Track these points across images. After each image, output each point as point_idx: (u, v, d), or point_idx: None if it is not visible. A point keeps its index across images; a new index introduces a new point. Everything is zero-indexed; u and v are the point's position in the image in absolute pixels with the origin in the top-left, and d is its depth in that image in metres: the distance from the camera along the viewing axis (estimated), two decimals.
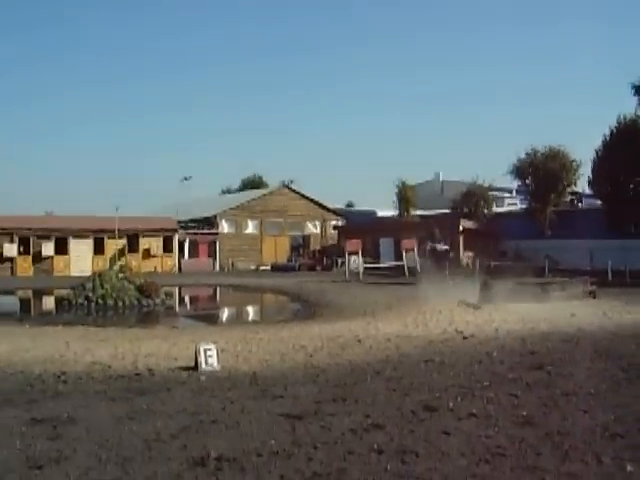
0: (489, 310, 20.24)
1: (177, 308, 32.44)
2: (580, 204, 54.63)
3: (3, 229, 52.03)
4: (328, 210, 69.17)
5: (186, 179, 70.98)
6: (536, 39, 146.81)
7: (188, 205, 68.49)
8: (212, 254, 60.93)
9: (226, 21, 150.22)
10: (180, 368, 11.36)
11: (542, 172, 48.11)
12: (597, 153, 46.67)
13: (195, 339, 14.30)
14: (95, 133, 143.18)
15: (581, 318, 18.27)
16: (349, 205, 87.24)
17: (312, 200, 68.59)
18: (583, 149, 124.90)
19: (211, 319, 27.07)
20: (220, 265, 60.35)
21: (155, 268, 55.21)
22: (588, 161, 48.96)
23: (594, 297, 24.35)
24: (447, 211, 56.75)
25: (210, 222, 62.70)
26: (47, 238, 53.24)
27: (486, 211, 54.13)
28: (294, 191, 68.76)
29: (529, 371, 10.65)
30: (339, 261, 52.13)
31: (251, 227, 64.78)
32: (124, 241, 55.82)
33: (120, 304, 27.59)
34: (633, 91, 43.54)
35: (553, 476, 5.92)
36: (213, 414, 8.10)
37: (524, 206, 54.78)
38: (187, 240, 59.69)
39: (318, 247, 64.64)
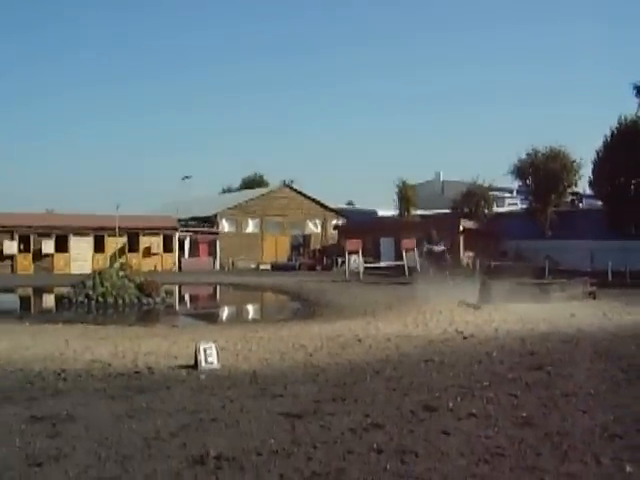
0: (489, 310, 20.24)
1: (177, 307, 32.42)
2: (581, 204, 54.62)
3: (3, 227, 52.04)
4: (329, 209, 69.17)
5: (187, 178, 70.92)
6: (536, 39, 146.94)
7: (188, 204, 68.46)
8: (212, 253, 60.95)
9: (226, 20, 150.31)
10: (180, 366, 11.36)
11: (543, 172, 48.07)
12: (598, 154, 46.61)
13: (195, 337, 14.31)
14: (96, 131, 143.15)
15: (581, 319, 18.27)
16: (349, 204, 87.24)
17: (313, 199, 68.59)
18: (584, 149, 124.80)
19: (211, 318, 27.07)
20: (220, 264, 60.36)
21: (155, 266, 55.22)
22: (589, 162, 48.96)
23: (594, 298, 24.35)
24: (447, 211, 56.73)
25: (210, 221, 62.71)
26: (47, 236, 53.24)
27: (486, 211, 54.11)
28: (295, 190, 68.75)
29: (529, 371, 10.65)
30: (339, 260, 52.12)
31: (251, 226, 64.80)
32: (124, 239, 55.83)
33: (120, 302, 27.60)
34: (634, 92, 43.53)
35: (552, 476, 5.92)
36: (213, 413, 8.10)
37: (524, 206, 54.75)
38: (187, 239, 59.71)
39: (318, 246, 64.61)
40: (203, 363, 11.06)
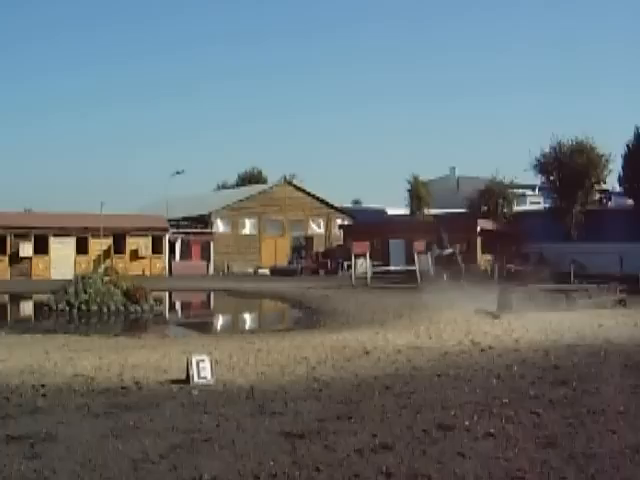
0: (509, 319, 20.23)
1: (167, 315, 32.45)
2: (610, 203, 54.65)
3: None
4: (333, 208, 69.26)
5: (178, 173, 70.86)
6: (562, 22, 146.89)
7: (180, 202, 68.52)
8: (206, 256, 61.02)
9: (224, 2, 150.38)
10: (170, 381, 11.37)
11: (568, 168, 48.11)
12: (628, 147, 46.68)
13: (187, 349, 14.32)
14: (78, 123, 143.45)
15: (609, 329, 18.25)
16: (356, 203, 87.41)
17: (316, 197, 68.70)
18: (613, 142, 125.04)
19: (204, 327, 27.11)
20: (215, 268, 60.43)
21: (143, 271, 55.34)
22: (618, 156, 49.01)
23: (624, 306, 24.34)
24: (463, 210, 56.78)
25: (204, 221, 62.83)
26: (25, 237, 53.31)
27: (506, 210, 54.16)
28: (296, 187, 68.89)
29: (552, 387, 10.65)
30: (345, 264, 52.13)
31: (249, 226, 64.93)
32: (109, 241, 55.89)
33: (105, 310, 27.61)
34: None
35: None
36: (206, 432, 8.11)
37: (548, 205, 54.76)
38: (179, 240, 59.78)
39: (322, 249, 64.66)
40: (196, 377, 11.07)
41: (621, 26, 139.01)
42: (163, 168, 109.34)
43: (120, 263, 53.29)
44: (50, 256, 54.09)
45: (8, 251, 52.98)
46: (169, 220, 60.65)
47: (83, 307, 27.60)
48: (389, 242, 53.33)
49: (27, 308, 35.92)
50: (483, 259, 47.16)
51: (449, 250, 40.29)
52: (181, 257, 59.93)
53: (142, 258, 57.04)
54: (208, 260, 60.81)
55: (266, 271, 58.76)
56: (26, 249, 53.03)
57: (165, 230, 58.64)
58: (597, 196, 52.22)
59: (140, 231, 57.33)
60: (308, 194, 68.42)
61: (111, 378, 11.79)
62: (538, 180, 55.34)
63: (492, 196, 54.04)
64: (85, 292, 28.03)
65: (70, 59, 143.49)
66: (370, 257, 43.36)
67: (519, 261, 42.88)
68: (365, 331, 18.74)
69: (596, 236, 44.10)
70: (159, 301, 32.55)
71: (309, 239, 66.80)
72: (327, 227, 67.95)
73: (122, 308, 27.94)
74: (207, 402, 9.77)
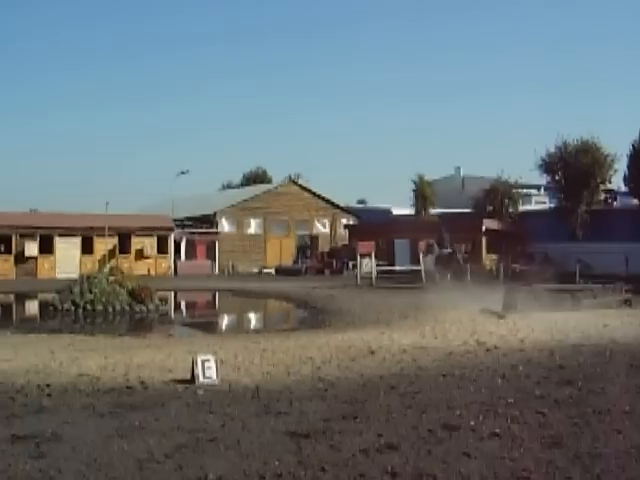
0: (514, 319, 20.22)
1: (172, 315, 32.46)
2: (615, 203, 54.55)
3: None
4: (338, 208, 69.24)
5: (183, 173, 70.93)
6: (567, 22, 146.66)
7: (185, 201, 68.55)
8: (211, 255, 61.03)
9: (225, 2, 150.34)
10: (175, 381, 11.37)
11: (573, 167, 48.07)
12: (634, 147, 46.60)
13: (192, 349, 14.35)
14: (83, 122, 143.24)
15: (615, 329, 18.23)
16: (361, 202, 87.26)
17: (321, 197, 68.67)
18: (618, 142, 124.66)
19: (209, 327, 27.12)
20: (220, 268, 60.45)
21: (149, 270, 55.38)
22: (624, 155, 48.95)
23: (629, 305, 24.32)
24: (468, 210, 56.72)
25: (209, 220, 62.82)
26: (31, 237, 53.37)
27: (511, 210, 54.09)
28: (301, 187, 68.83)
29: (558, 387, 10.64)
30: (350, 264, 52.12)
31: (254, 226, 64.90)
32: (115, 241, 55.96)
33: (110, 310, 27.63)
34: None
35: None
36: (211, 432, 8.11)
37: (553, 205, 54.72)
38: (184, 240, 59.79)
39: (327, 248, 64.63)
40: (201, 377, 11.07)
41: (625, 26, 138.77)
42: (168, 168, 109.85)
43: (125, 263, 53.26)
44: (55, 256, 54.15)
45: (14, 251, 53.05)
46: (174, 220, 60.67)
47: (88, 307, 27.61)
48: (394, 242, 53.32)
49: (32, 308, 35.98)
50: (488, 259, 47.13)
51: (449, 250, 40.28)
52: (186, 257, 59.94)
53: (147, 258, 57.07)
54: (213, 260, 60.81)
55: (271, 271, 58.78)
56: (31, 249, 53.10)
57: (170, 230, 58.67)
58: (602, 196, 52.15)
59: (145, 231, 57.35)
60: (313, 194, 68.39)
61: (116, 378, 11.79)
62: (543, 180, 55.32)
63: (497, 196, 53.98)
64: (90, 292, 28.05)
65: (72, 59, 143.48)
66: (375, 257, 43.36)
67: (524, 261, 42.80)
68: (370, 331, 18.74)
69: (601, 236, 44.03)
70: (164, 301, 32.54)
71: (314, 239, 66.80)
72: (332, 227, 67.91)
73: (127, 308, 27.95)
74: (212, 402, 9.78)
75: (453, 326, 19.20)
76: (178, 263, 58.67)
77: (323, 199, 68.66)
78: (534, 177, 55.10)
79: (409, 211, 63.37)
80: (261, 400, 9.91)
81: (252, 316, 32.41)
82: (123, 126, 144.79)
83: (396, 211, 68.41)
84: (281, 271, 57.06)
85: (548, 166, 50.22)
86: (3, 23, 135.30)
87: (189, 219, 63.70)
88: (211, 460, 7.02)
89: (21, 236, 53.10)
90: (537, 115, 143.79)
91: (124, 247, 56.50)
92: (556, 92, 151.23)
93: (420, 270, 41.52)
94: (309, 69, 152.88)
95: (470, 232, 48.09)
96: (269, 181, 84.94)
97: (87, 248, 54.98)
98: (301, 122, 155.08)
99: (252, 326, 28.26)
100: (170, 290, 40.71)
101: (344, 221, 67.24)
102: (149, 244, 57.44)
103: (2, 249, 53.08)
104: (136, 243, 57.04)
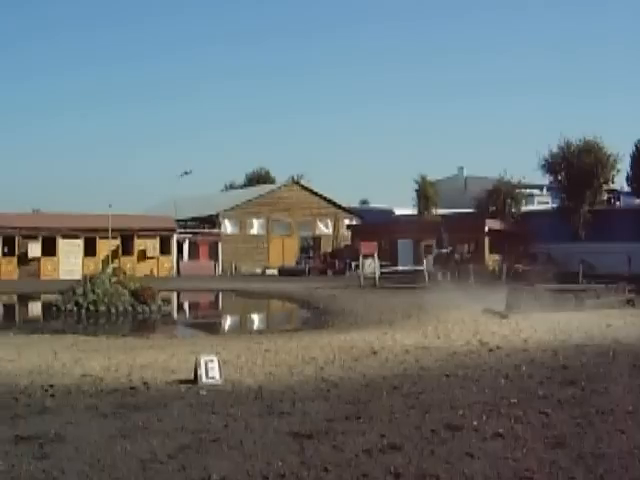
0: (517, 319, 20.20)
1: (175, 315, 32.52)
2: (618, 203, 54.50)
3: None
4: (341, 208, 69.25)
5: (185, 174, 70.97)
6: (568, 22, 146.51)
7: (188, 202, 68.58)
8: (214, 256, 61.10)
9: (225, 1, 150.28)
10: (178, 381, 11.37)
11: (576, 167, 47.99)
12: (636, 146, 46.58)
13: (195, 350, 14.34)
14: (85, 123, 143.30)
15: (618, 329, 18.21)
16: (364, 203, 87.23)
17: (323, 197, 68.69)
18: (621, 142, 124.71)
19: (212, 328, 27.14)
20: (222, 268, 60.49)
21: (151, 271, 55.47)
22: (626, 155, 48.93)
23: (632, 305, 24.28)
24: (471, 210, 56.70)
25: (212, 221, 62.88)
26: (34, 238, 53.46)
27: (514, 210, 54.05)
28: (304, 187, 68.87)
29: (561, 387, 10.63)
30: (353, 265, 52.11)
31: (256, 227, 64.95)
32: (118, 242, 56.02)
33: (113, 311, 27.64)
34: None
35: None
36: (214, 432, 8.11)
37: (556, 205, 54.65)
38: (186, 241, 59.86)
39: (330, 249, 64.66)
40: (204, 378, 11.07)
41: (628, 25, 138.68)
42: (171, 169, 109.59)
43: (128, 264, 53.35)
44: (58, 257, 54.24)
45: (17, 252, 53.10)
46: (177, 220, 60.74)
47: (91, 307, 27.62)
48: (397, 242, 53.30)
49: (35, 308, 36.02)
50: (491, 259, 47.08)
51: (447, 249, 40.32)
52: (189, 257, 60.03)
53: (150, 258, 57.13)
54: (216, 260, 60.85)
55: (274, 271, 58.78)
56: (34, 250, 53.17)
57: (173, 230, 58.73)
58: (605, 196, 52.07)
59: (148, 232, 57.40)
60: (316, 194, 68.41)
61: (119, 378, 11.80)
62: (546, 180, 55.27)
63: (500, 196, 53.93)
64: (93, 292, 28.06)
65: (73, 59, 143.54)
66: (378, 257, 43.34)
67: (527, 261, 42.80)
68: (373, 331, 18.73)
69: (604, 236, 43.97)
70: (167, 301, 32.60)
71: (317, 239, 66.84)
72: (335, 227, 67.92)
73: (130, 308, 27.96)
74: (215, 402, 9.77)
75: (456, 326, 19.18)
76: (181, 264, 58.75)
77: (326, 199, 68.68)
78: (537, 177, 55.12)
79: (412, 211, 63.32)
80: (264, 400, 9.91)
81: (255, 317, 32.43)
82: (125, 127, 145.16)
83: (399, 211, 68.36)
84: (284, 272, 57.08)
85: (551, 166, 50.17)
86: (4, 23, 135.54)
87: (192, 220, 63.75)
88: (214, 460, 7.02)
89: (24, 237, 53.18)
90: (540, 115, 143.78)
91: (127, 248, 56.57)
92: (559, 92, 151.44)
93: (423, 270, 41.54)
94: (310, 69, 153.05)
95: (473, 232, 48.11)
96: (272, 182, 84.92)
97: (90, 249, 55.06)
98: (303, 122, 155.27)
99: (255, 327, 28.29)
100: (173, 291, 40.77)
101: (347, 221, 67.26)
102: (152, 245, 57.49)
103: (5, 250, 53.15)
104: (139, 244, 57.10)
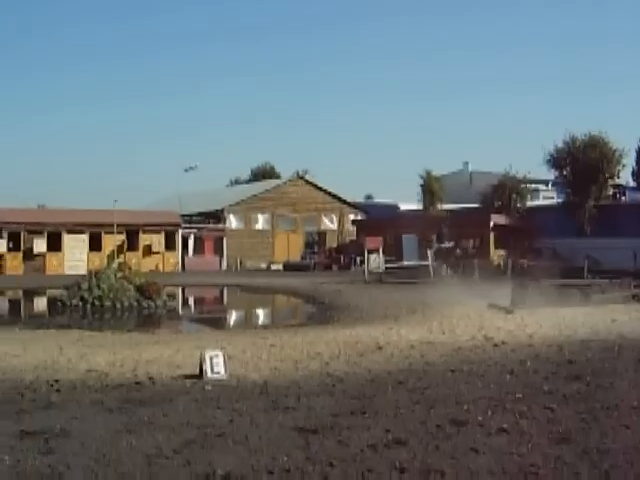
0: (522, 314, 20.19)
1: (180, 311, 32.55)
2: (623, 198, 54.34)
3: None
4: (346, 203, 69.22)
5: (190, 169, 71.00)
6: (574, 18, 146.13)
7: (193, 197, 68.63)
8: (219, 251, 61.11)
9: None
10: (184, 376, 11.39)
11: (581, 162, 47.83)
12: None
13: (200, 345, 14.36)
14: (91, 118, 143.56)
15: (623, 324, 18.19)
16: (369, 198, 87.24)
17: (329, 192, 68.67)
18: (627, 137, 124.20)
19: (218, 323, 27.15)
20: (227, 264, 60.50)
21: (156, 266, 55.48)
22: (632, 150, 48.80)
23: (638, 301, 24.27)
24: (476, 205, 56.57)
25: (217, 216, 62.88)
26: (39, 233, 53.47)
27: (519, 205, 53.89)
28: (309, 182, 68.84)
29: (566, 382, 10.63)
30: (358, 260, 52.09)
31: (261, 222, 64.94)
32: (123, 237, 56.07)
33: (118, 306, 27.66)
34: None
35: None
36: (219, 427, 8.12)
37: (561, 200, 54.52)
38: (191, 236, 59.86)
39: (335, 244, 64.64)
40: (209, 373, 11.08)
41: (631, 20, 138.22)
42: (176, 164, 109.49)
43: (133, 259, 53.39)
44: (63, 252, 54.27)
45: (22, 247, 53.13)
46: (182, 216, 60.74)
47: (96, 303, 27.66)
48: (402, 237, 53.23)
49: (41, 304, 36.06)
50: (496, 254, 46.99)
51: (450, 244, 40.27)
52: (194, 253, 60.03)
53: (155, 254, 57.12)
54: (221, 256, 60.87)
55: (279, 267, 58.77)
56: (40, 245, 53.19)
57: (178, 226, 58.73)
58: (611, 191, 51.89)
59: (153, 227, 57.41)
60: (321, 189, 68.38)
61: (125, 374, 11.82)
62: (551, 175, 55.09)
63: (505, 191, 53.72)
64: (98, 288, 28.10)
65: (73, 55, 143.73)
66: (383, 252, 43.32)
67: (532, 256, 42.64)
68: (378, 326, 18.74)
69: (610, 231, 43.81)
70: (172, 297, 32.60)
71: (322, 234, 66.80)
72: (340, 222, 67.90)
73: (135, 304, 27.98)
74: (220, 397, 9.79)
75: (461, 321, 19.19)
76: (186, 259, 58.77)
77: (331, 195, 68.65)
78: (542, 172, 54.94)
79: (416, 206, 63.18)
80: (269, 395, 9.92)
81: (260, 312, 32.46)
82: (129, 123, 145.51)
83: (403, 206, 68.24)
84: (289, 267, 57.06)
85: (556, 161, 49.97)
86: (5, 19, 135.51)
87: (197, 215, 63.75)
88: (219, 455, 7.03)
89: (29, 232, 53.19)
90: (544, 111, 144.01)
91: (132, 243, 56.59)
92: (563, 88, 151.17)
93: (428, 265, 41.50)
94: (314, 66, 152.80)
95: (478, 227, 48.01)
96: (277, 177, 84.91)
97: (95, 244, 55.05)
98: (308, 118, 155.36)
99: (260, 322, 28.29)
100: (178, 286, 40.82)
101: (352, 217, 67.19)
102: (157, 240, 57.47)
103: (10, 245, 53.16)
104: (144, 239, 57.11)
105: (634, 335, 16.07)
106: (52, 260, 53.71)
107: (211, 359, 11.21)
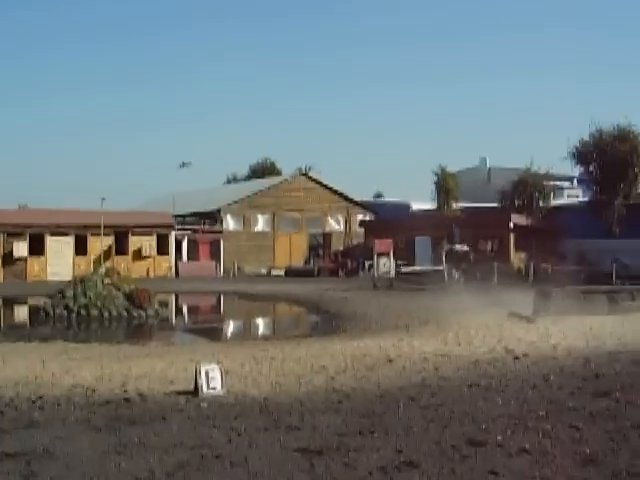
0: (545, 324, 20.20)
1: (174, 320, 32.55)
2: None
3: None
4: (353, 202, 69.25)
5: (185, 165, 71.23)
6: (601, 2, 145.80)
7: (187, 197, 68.75)
8: (215, 256, 61.11)
9: None
10: (177, 392, 11.42)
11: (609, 157, 47.74)
12: None
13: (195, 358, 14.39)
14: (75, 109, 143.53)
15: None
16: (378, 196, 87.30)
17: (334, 190, 68.69)
18: None
19: (214, 334, 27.19)
20: (224, 269, 60.47)
21: (148, 272, 55.49)
22: None
23: None
24: (495, 204, 56.56)
25: (213, 217, 62.93)
26: (20, 236, 53.45)
27: (542, 204, 53.88)
28: (313, 180, 68.88)
29: (593, 398, 10.63)
30: (366, 264, 52.08)
31: (261, 223, 64.99)
32: (111, 240, 56.03)
33: (106, 315, 27.72)
34: None
35: None
36: (216, 448, 8.14)
37: (587, 198, 54.47)
38: (185, 238, 59.87)
39: (341, 247, 64.63)
40: (205, 388, 11.11)
41: None
42: (168, 161, 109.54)
43: (122, 264, 53.43)
44: (46, 256, 54.21)
45: (1, 251, 53.12)
46: (175, 216, 60.80)
47: (82, 312, 27.72)
48: (414, 240, 53.22)
49: (22, 313, 36.12)
50: (517, 257, 46.99)
51: (465, 248, 40.18)
52: (188, 257, 60.02)
53: (146, 258, 57.08)
54: (217, 260, 60.87)
55: (280, 272, 58.74)
56: (20, 249, 53.13)
57: (171, 227, 58.74)
58: None
59: (144, 229, 57.38)
60: (326, 187, 68.39)
61: (113, 389, 11.85)
62: (576, 171, 55.06)
63: (526, 189, 53.71)
64: (85, 295, 28.15)
65: (58, 37, 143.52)
66: (394, 256, 43.30)
67: (556, 260, 42.65)
68: (388, 337, 18.76)
69: None
70: (165, 305, 32.63)
71: (327, 236, 66.75)
72: (347, 223, 67.93)
73: (125, 313, 28.03)
74: (217, 415, 9.81)
75: (479, 332, 19.18)
76: (179, 264, 58.75)
77: (337, 193, 68.67)
78: (566, 169, 54.98)
79: (430, 206, 63.17)
80: (270, 413, 9.95)
81: (260, 322, 32.50)
82: (119, 114, 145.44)
83: (416, 206, 68.21)
84: (291, 272, 57.02)
85: (581, 156, 49.90)
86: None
87: (191, 216, 63.81)
88: (216, 478, 7.05)
89: (9, 235, 53.18)
90: (570, 100, 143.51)
91: (121, 246, 56.55)
92: (590, 76, 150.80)
93: (442, 270, 41.48)
94: (321, 53, 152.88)
95: (497, 228, 47.99)
96: (278, 173, 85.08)
97: (81, 248, 54.99)
98: (312, 109, 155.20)
99: (260, 332, 28.34)
100: (171, 293, 40.87)
101: (360, 217, 67.18)
102: (148, 243, 57.44)
103: None
104: (134, 242, 57.06)
105: None
106: (34, 265, 53.69)
107: (207, 373, 11.24)
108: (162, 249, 58.12)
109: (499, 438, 8.39)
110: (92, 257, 54.47)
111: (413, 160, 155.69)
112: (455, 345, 17.05)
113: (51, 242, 54.45)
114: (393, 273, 42.12)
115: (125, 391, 11.66)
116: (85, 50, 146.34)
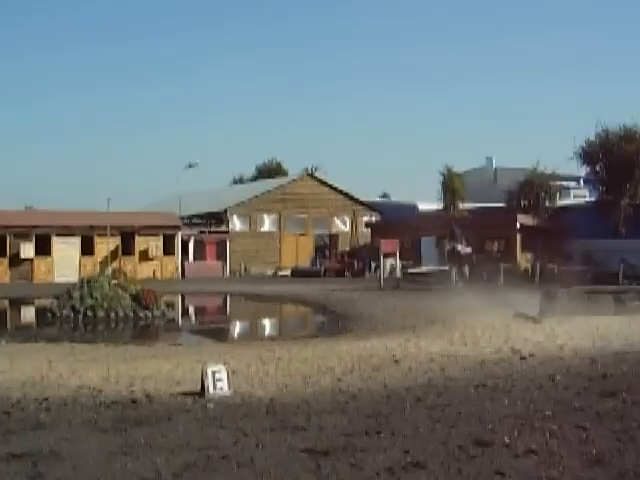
0: (552, 324, 20.15)
1: (180, 321, 32.54)
2: None
3: None
4: (360, 203, 69.17)
5: (191, 166, 71.13)
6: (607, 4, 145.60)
7: (193, 198, 68.73)
8: (221, 256, 61.08)
9: None
10: (184, 393, 11.42)
11: (615, 156, 47.64)
12: None
13: (201, 359, 14.39)
14: (76, 110, 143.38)
15: None
16: (384, 197, 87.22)
17: (341, 191, 68.62)
18: None
19: (220, 335, 27.15)
20: (231, 269, 60.47)
21: (154, 273, 55.49)
22: None
23: None
24: (501, 204, 56.49)
25: (219, 218, 62.91)
26: (26, 237, 53.50)
27: (548, 204, 53.80)
28: (319, 180, 68.80)
29: (600, 399, 10.61)
30: (372, 265, 52.08)
31: (268, 224, 64.94)
32: (117, 241, 56.03)
33: (112, 316, 27.71)
34: None
35: None
36: (223, 449, 8.13)
37: (594, 198, 54.37)
38: (192, 240, 59.86)
39: (347, 248, 64.60)
40: (211, 389, 11.10)
41: None
42: (174, 161, 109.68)
43: (129, 265, 53.57)
44: (53, 257, 54.27)
45: (8, 252, 53.14)
46: (182, 217, 60.82)
47: (89, 313, 27.72)
48: (421, 240, 53.19)
49: (29, 314, 36.14)
50: (523, 258, 46.91)
51: (468, 249, 40.09)
52: (195, 258, 59.97)
53: (152, 259, 57.08)
54: (224, 261, 60.85)
55: (287, 272, 58.75)
56: (27, 250, 53.18)
57: (177, 228, 58.73)
58: None
59: (150, 230, 57.40)
60: (332, 188, 68.31)
61: (120, 390, 11.85)
62: (583, 172, 54.98)
63: (533, 189, 53.61)
64: (91, 297, 28.14)
65: (61, 36, 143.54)
66: (400, 257, 43.28)
67: (562, 260, 42.58)
68: (395, 338, 18.73)
69: None
70: (171, 306, 32.62)
71: (333, 237, 66.74)
72: (353, 224, 67.87)
73: (131, 314, 28.02)
74: (224, 416, 9.81)
75: (485, 332, 19.15)
76: (186, 265, 58.72)
77: (343, 194, 68.59)
78: (572, 169, 54.88)
79: (436, 206, 63.08)
80: (277, 414, 9.94)
81: (266, 322, 32.46)
82: (125, 115, 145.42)
83: (422, 206, 68.10)
84: (297, 273, 57.00)
85: (588, 155, 49.82)
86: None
87: (198, 217, 63.82)
88: (223, 479, 7.04)
89: (16, 236, 53.21)
90: (576, 101, 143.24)
91: (127, 248, 56.55)
92: (597, 75, 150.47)
93: (448, 270, 41.41)
94: (327, 54, 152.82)
95: (503, 229, 47.91)
96: (284, 174, 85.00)
97: (87, 249, 55.02)
98: (318, 110, 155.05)
99: (266, 333, 28.31)
100: (177, 294, 40.87)
101: (366, 218, 67.16)
102: (154, 244, 57.42)
103: None
104: (140, 243, 57.07)
105: None
106: (40, 266, 53.72)
107: (213, 374, 11.23)
108: (168, 250, 58.09)
109: (506, 438, 8.36)
110: (98, 258, 54.55)
111: (419, 160, 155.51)
112: (461, 345, 17.02)
113: (57, 243, 54.47)
114: (399, 273, 42.09)
115: (132, 392, 11.65)
116: (86, 51, 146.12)
